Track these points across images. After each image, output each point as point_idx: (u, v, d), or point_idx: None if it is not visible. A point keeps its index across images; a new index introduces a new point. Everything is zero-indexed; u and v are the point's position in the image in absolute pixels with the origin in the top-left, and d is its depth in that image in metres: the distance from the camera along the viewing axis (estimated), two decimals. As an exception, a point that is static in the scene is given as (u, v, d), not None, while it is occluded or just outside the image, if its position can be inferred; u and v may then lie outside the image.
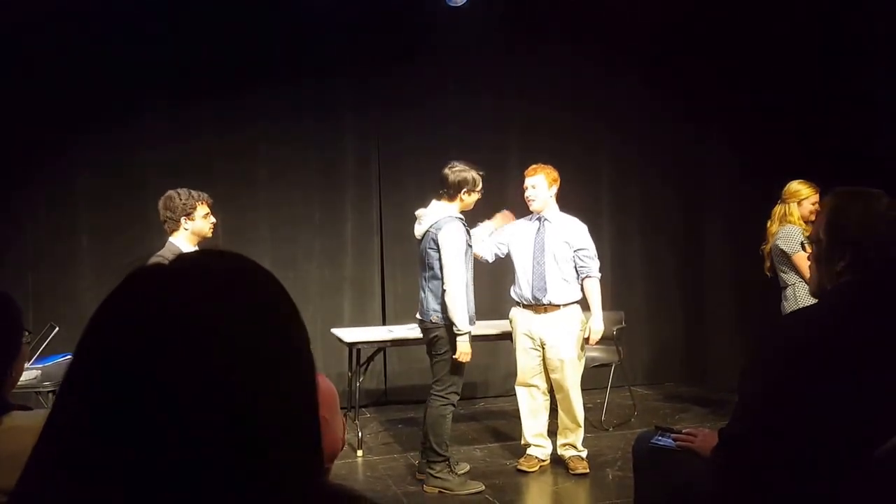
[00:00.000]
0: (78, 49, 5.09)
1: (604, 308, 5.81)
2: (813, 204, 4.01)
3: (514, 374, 5.96)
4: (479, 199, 3.92)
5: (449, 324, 3.71)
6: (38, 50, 5.02)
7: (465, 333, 3.69)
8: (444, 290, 3.68)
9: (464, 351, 3.71)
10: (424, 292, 3.78)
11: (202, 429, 0.58)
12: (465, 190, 3.76)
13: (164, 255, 3.23)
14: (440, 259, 3.69)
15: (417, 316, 3.92)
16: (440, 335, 3.75)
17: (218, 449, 0.58)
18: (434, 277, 3.73)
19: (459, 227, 3.74)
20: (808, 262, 4.03)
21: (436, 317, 3.74)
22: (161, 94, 5.28)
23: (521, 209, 6.01)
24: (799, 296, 3.94)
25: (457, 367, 3.77)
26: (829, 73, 5.29)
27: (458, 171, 3.77)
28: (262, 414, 0.61)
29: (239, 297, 0.64)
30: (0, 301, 1.47)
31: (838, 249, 1.77)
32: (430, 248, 3.73)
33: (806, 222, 4.00)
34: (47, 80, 5.04)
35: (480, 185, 3.83)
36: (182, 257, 0.68)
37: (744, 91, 5.71)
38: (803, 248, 3.96)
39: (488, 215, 5.77)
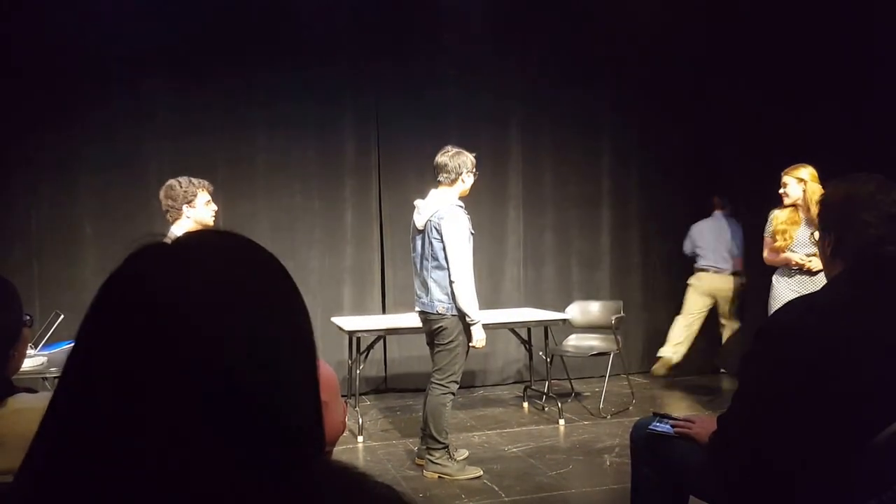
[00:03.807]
0: (80, 39, 5.09)
1: (602, 297, 5.88)
2: (782, 186, 4.12)
3: (511, 363, 6.05)
4: (474, 184, 3.88)
5: (457, 314, 3.68)
6: (42, 41, 5.01)
7: (478, 321, 3.70)
8: (451, 281, 3.64)
9: (479, 338, 3.72)
10: (429, 283, 3.72)
11: (202, 407, 0.58)
12: (465, 172, 3.73)
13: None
14: (444, 248, 3.66)
15: (417, 309, 3.87)
16: (445, 326, 3.71)
17: (219, 427, 0.59)
18: (439, 268, 3.68)
19: (461, 215, 3.71)
20: (766, 249, 4.21)
21: (441, 307, 3.69)
22: (163, 85, 5.29)
23: (523, 199, 6.03)
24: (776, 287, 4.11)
25: (459, 356, 3.76)
26: (831, 64, 5.28)
27: (454, 154, 3.74)
28: (264, 392, 0.61)
29: (240, 275, 0.64)
30: (1, 287, 1.47)
31: (825, 237, 1.79)
32: (433, 238, 3.69)
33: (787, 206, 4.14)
34: (51, 72, 5.04)
35: (475, 167, 3.81)
36: (183, 236, 0.68)
37: (745, 83, 5.69)
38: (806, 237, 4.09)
39: (489, 203, 5.80)
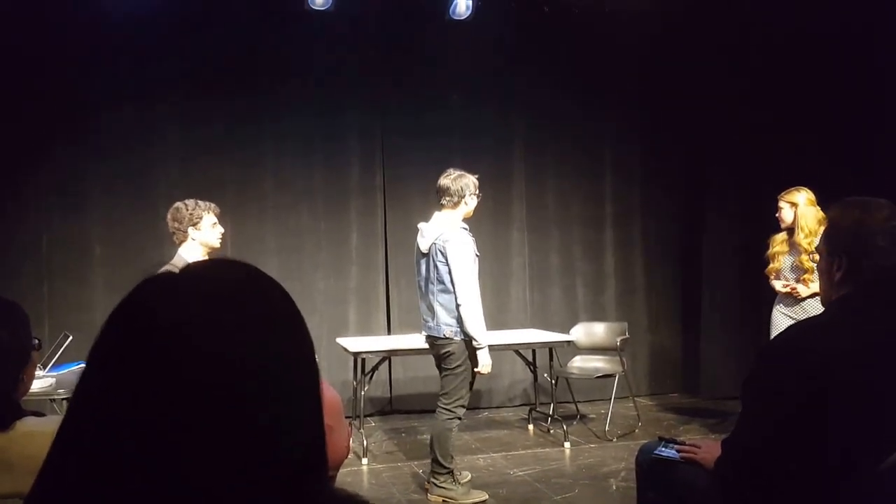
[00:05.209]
0: (91, 62, 5.17)
1: (608, 318, 5.87)
2: (777, 210, 4.17)
3: (517, 384, 6.03)
4: (478, 206, 3.88)
5: (465, 338, 3.65)
6: (52, 63, 5.09)
7: (485, 346, 3.65)
8: (458, 304, 3.60)
9: (485, 363, 3.67)
10: (435, 307, 3.68)
11: (208, 434, 0.60)
12: (468, 194, 3.71)
13: (174, 266, 3.25)
14: (450, 272, 3.63)
15: (424, 333, 3.84)
16: (452, 350, 3.67)
17: (224, 454, 0.60)
18: (445, 291, 3.65)
19: (466, 238, 3.70)
20: (771, 270, 4.25)
21: (448, 331, 3.65)
22: (171, 109, 5.37)
23: (527, 221, 6.05)
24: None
25: (466, 380, 3.71)
26: (831, 81, 5.31)
27: (456, 177, 3.72)
28: (268, 420, 0.63)
29: (244, 305, 0.66)
30: (8, 309, 1.49)
31: (835, 260, 1.78)
32: (438, 261, 3.66)
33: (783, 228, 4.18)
34: (60, 93, 5.11)
35: (478, 189, 3.81)
36: (190, 266, 0.70)
37: (749, 101, 5.72)
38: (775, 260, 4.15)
39: (492, 225, 5.82)
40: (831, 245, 1.81)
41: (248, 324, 0.65)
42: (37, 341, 1.54)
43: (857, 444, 1.62)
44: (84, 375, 0.64)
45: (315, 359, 0.70)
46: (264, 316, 0.67)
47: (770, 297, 4.27)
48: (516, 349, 5.05)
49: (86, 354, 0.67)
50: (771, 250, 4.21)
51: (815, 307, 3.90)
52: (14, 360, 1.46)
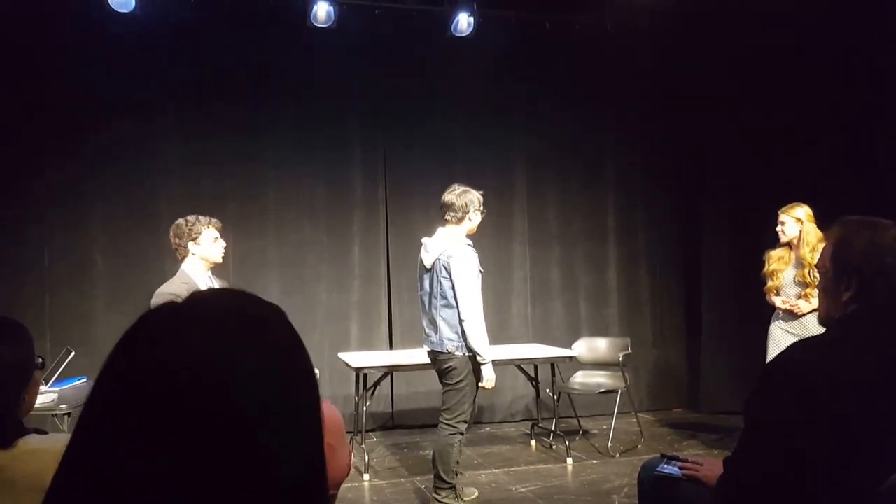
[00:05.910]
0: (92, 76, 5.21)
1: (612, 333, 5.85)
2: (779, 224, 4.16)
3: (519, 400, 5.99)
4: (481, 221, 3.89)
5: (468, 353, 3.64)
6: (54, 77, 5.13)
7: (489, 361, 3.66)
8: (461, 320, 3.61)
9: (489, 378, 3.67)
10: (437, 321, 3.68)
11: (211, 459, 0.61)
12: (472, 210, 3.71)
13: (175, 285, 3.27)
14: (453, 287, 3.63)
15: (427, 348, 3.83)
16: (454, 365, 3.66)
17: (226, 476, 0.61)
18: (448, 306, 3.65)
19: (471, 254, 3.69)
20: (771, 287, 4.24)
21: (451, 346, 3.65)
22: (173, 122, 5.40)
23: (529, 235, 6.06)
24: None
25: (467, 396, 3.70)
26: (831, 82, 5.33)
27: (461, 192, 3.72)
28: (268, 444, 0.64)
29: (245, 336, 0.68)
30: (14, 330, 1.51)
31: (843, 279, 1.77)
32: (442, 277, 3.66)
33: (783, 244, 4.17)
34: (63, 107, 5.15)
35: (482, 205, 3.82)
36: (192, 297, 0.72)
37: (750, 115, 5.75)
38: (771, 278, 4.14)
39: (494, 239, 5.83)
40: (841, 264, 1.79)
41: (248, 355, 0.67)
42: (40, 360, 1.55)
43: (860, 462, 1.61)
44: (89, 402, 0.66)
45: (315, 384, 0.72)
46: (265, 348, 0.69)
47: (770, 312, 4.26)
48: (518, 364, 5.04)
49: (87, 368, 0.68)
50: (768, 268, 4.18)
51: (814, 323, 3.89)
52: (17, 379, 1.47)
